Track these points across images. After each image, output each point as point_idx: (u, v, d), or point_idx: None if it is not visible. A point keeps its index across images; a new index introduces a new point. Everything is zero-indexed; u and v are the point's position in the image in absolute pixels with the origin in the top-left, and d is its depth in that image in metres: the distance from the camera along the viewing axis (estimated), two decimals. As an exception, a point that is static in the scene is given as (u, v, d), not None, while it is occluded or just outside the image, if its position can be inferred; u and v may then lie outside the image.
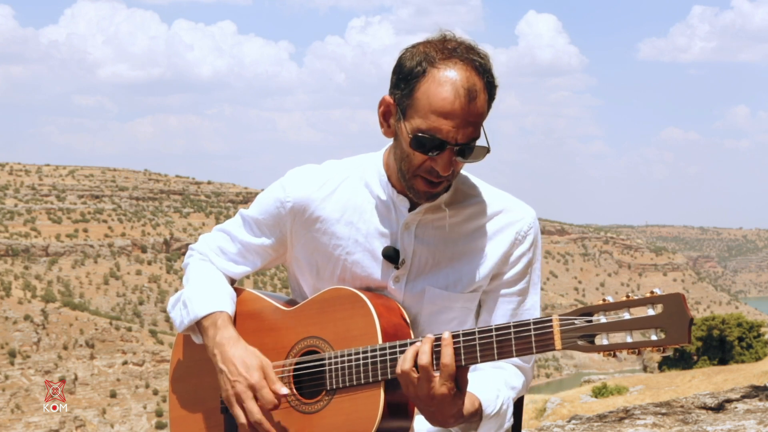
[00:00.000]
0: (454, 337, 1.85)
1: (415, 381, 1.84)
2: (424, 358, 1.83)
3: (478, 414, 1.91)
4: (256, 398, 1.97)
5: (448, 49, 1.92)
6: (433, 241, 2.05)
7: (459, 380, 1.85)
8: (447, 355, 1.83)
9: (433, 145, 1.89)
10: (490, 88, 1.93)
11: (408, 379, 1.85)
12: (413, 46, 1.96)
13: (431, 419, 1.89)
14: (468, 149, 1.91)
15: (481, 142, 1.93)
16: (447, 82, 1.88)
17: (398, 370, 1.86)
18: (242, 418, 1.98)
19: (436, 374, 1.84)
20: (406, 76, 1.93)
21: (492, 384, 1.98)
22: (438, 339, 1.86)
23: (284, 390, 1.97)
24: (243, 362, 1.99)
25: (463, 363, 1.84)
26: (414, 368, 1.84)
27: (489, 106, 1.94)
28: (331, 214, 2.07)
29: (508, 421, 2.01)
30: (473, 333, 1.84)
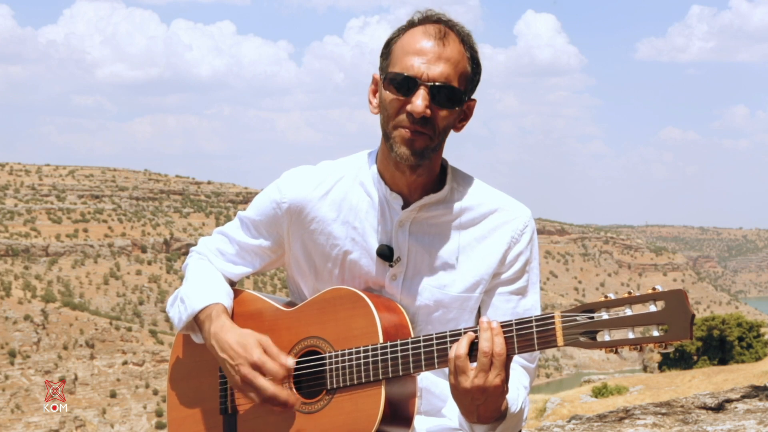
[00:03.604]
0: (452, 335, 1.86)
1: (469, 371, 1.82)
2: (487, 346, 1.80)
3: (504, 411, 1.90)
4: (263, 375, 1.95)
5: (425, 16, 2.00)
6: (428, 239, 2.05)
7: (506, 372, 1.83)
8: (499, 344, 1.80)
9: (405, 82, 1.93)
10: (471, 52, 1.98)
11: (461, 369, 1.82)
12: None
13: (471, 413, 1.86)
14: (441, 89, 1.93)
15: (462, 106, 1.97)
16: (419, 30, 1.97)
17: (451, 355, 1.83)
18: (257, 399, 1.96)
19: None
20: (386, 45, 2.02)
21: (512, 382, 1.97)
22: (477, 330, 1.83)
23: (290, 360, 1.96)
24: (239, 343, 1.99)
25: None
26: (469, 357, 1.82)
27: (472, 70, 1.99)
28: (327, 214, 2.08)
29: (524, 421, 2.00)
30: (475, 331, 1.84)
